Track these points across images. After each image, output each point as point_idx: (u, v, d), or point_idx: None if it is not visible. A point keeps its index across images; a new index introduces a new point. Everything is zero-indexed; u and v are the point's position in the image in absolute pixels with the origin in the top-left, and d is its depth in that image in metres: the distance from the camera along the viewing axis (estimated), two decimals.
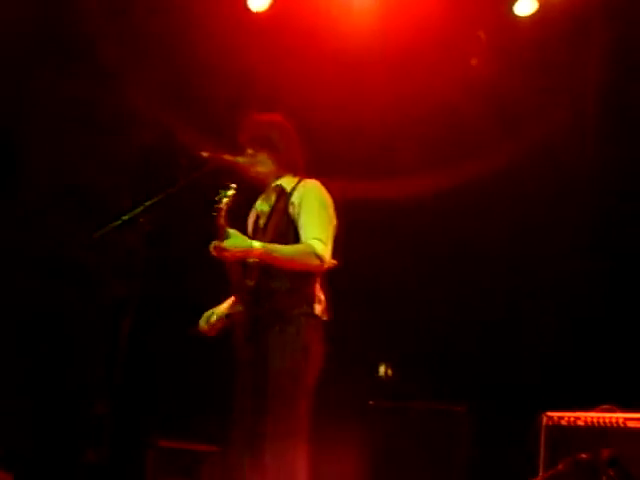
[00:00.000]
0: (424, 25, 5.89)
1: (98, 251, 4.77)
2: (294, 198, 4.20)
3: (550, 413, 4.97)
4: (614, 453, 4.57)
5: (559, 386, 5.48)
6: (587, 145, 5.86)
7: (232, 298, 4.25)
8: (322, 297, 4.19)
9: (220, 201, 3.87)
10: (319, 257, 4.03)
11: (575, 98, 5.91)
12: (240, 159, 4.19)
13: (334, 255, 4.20)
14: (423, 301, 6.21)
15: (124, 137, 6.12)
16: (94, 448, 5.09)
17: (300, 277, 4.11)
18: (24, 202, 6.13)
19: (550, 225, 5.97)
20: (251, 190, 4.29)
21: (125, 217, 3.99)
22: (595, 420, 4.87)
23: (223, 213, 3.90)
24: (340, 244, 4.28)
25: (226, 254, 3.94)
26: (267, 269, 4.09)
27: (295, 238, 4.14)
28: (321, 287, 4.20)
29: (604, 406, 4.96)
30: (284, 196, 4.24)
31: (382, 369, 6.34)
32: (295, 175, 4.30)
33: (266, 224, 4.27)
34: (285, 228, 4.18)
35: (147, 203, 4.02)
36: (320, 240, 4.06)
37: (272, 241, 4.12)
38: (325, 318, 4.18)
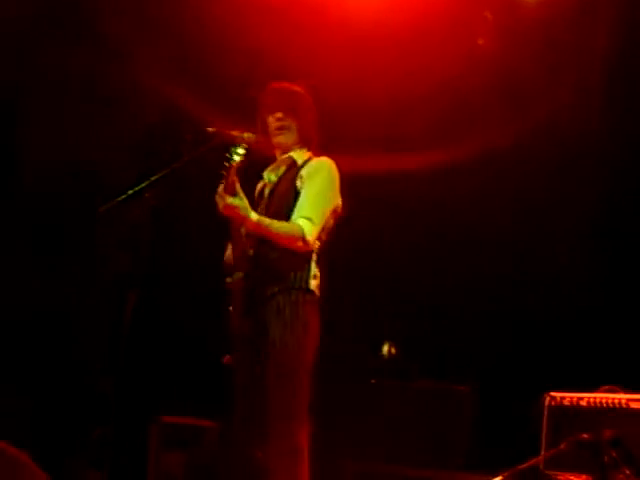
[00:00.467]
0: (431, 4, 5.87)
1: (103, 226, 4.76)
2: (303, 171, 4.22)
3: (553, 393, 4.97)
4: (616, 434, 4.56)
5: (562, 366, 5.48)
6: (593, 123, 5.84)
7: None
8: (317, 273, 4.21)
9: (231, 158, 3.89)
10: (304, 240, 4.06)
11: (581, 76, 5.88)
12: (245, 135, 4.18)
13: (337, 233, 4.23)
14: (428, 279, 6.20)
15: (129, 112, 6.10)
16: (97, 423, 5.12)
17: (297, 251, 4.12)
18: (27, 177, 6.12)
19: (555, 204, 5.95)
20: (254, 166, 4.28)
21: (130, 192, 3.99)
22: (598, 401, 4.87)
23: (234, 170, 3.91)
24: (344, 220, 4.29)
25: (226, 210, 3.96)
26: (266, 240, 4.09)
27: (292, 213, 4.16)
28: (317, 263, 4.21)
29: (607, 387, 4.96)
30: (294, 168, 4.26)
31: (385, 348, 6.35)
32: (309, 150, 4.30)
33: (271, 193, 4.28)
34: (289, 199, 4.20)
35: (152, 178, 4.02)
36: (310, 220, 4.08)
37: (275, 211, 4.15)
38: (318, 294, 4.20)
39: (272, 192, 4.29)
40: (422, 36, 5.94)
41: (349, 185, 4.32)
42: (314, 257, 4.21)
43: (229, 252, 4.28)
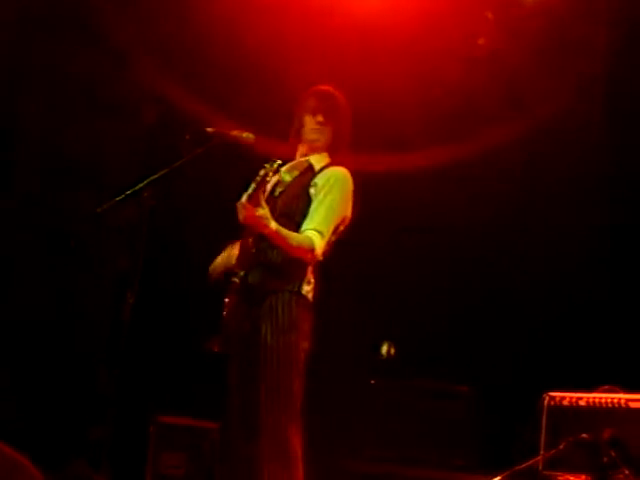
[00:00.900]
0: (433, 5, 5.87)
1: (101, 226, 4.77)
2: (318, 179, 4.24)
3: (552, 393, 4.97)
4: (615, 434, 4.58)
5: (561, 367, 5.48)
6: (594, 122, 5.84)
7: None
8: (312, 279, 4.25)
9: (267, 173, 3.90)
10: (313, 253, 4.11)
11: (583, 76, 5.88)
12: (245, 135, 4.19)
13: (342, 255, 4.30)
14: (427, 279, 6.20)
15: (129, 112, 6.11)
16: (96, 423, 5.11)
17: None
18: (25, 177, 6.13)
19: (555, 204, 5.95)
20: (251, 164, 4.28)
21: (129, 192, 4.00)
22: (597, 401, 4.88)
23: (265, 184, 3.95)
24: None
25: (248, 219, 3.98)
26: (269, 240, 4.11)
27: (301, 216, 4.19)
28: (313, 270, 4.24)
29: (606, 387, 4.96)
30: (310, 173, 4.28)
31: (384, 348, 6.34)
32: (331, 155, 4.32)
33: (281, 193, 4.29)
34: (299, 203, 4.22)
35: (151, 178, 4.02)
36: (321, 234, 4.13)
37: (282, 212, 4.17)
38: (311, 299, 4.22)
39: (283, 192, 4.30)
40: (423, 38, 5.95)
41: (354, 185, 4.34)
42: (312, 264, 4.24)
43: (226, 254, 4.31)
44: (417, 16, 5.86)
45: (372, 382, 5.87)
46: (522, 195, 6.03)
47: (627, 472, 4.45)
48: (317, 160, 4.32)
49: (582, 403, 4.91)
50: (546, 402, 4.96)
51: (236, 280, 4.15)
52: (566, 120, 5.85)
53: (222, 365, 4.25)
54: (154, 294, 5.37)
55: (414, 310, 6.25)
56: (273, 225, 4.02)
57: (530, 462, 4.71)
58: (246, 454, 4.08)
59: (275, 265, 4.15)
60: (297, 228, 4.17)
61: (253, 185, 3.94)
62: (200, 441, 5.71)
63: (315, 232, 4.12)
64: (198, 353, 4.15)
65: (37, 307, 6.03)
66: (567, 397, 4.94)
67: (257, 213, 3.95)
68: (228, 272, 4.25)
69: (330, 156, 4.34)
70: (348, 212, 4.29)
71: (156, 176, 4.03)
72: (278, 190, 4.32)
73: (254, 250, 4.14)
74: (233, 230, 4.29)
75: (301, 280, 4.19)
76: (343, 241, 4.40)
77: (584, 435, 4.60)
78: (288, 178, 4.33)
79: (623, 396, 4.85)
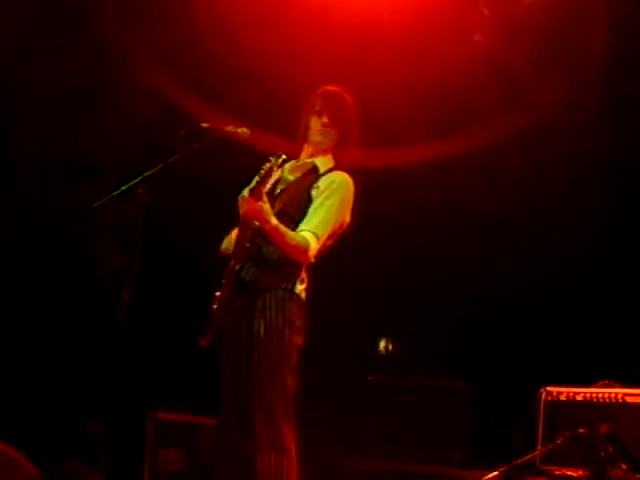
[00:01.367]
0: (430, 2, 5.87)
1: (97, 222, 4.77)
2: (321, 182, 4.24)
3: (549, 388, 4.98)
4: (612, 428, 4.58)
5: (558, 361, 5.48)
6: (590, 119, 5.84)
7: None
8: (305, 279, 4.25)
9: (271, 167, 3.91)
10: (306, 254, 4.11)
11: (579, 72, 5.87)
12: (240, 130, 4.19)
13: (340, 251, 4.31)
14: (425, 275, 6.20)
15: (124, 108, 6.10)
16: (93, 419, 5.12)
17: None
18: (21, 174, 6.13)
19: (553, 201, 5.94)
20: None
21: (124, 188, 3.99)
22: (594, 396, 4.88)
23: (268, 178, 3.95)
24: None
25: (250, 212, 3.99)
26: (265, 237, 4.12)
27: (300, 215, 4.19)
28: (306, 269, 4.25)
29: (603, 382, 4.96)
30: (313, 175, 4.28)
31: (382, 344, 6.34)
32: (337, 156, 4.32)
33: (283, 192, 4.28)
34: (299, 204, 4.22)
35: (146, 174, 4.02)
36: (317, 236, 4.13)
37: (281, 210, 4.17)
38: (304, 299, 4.22)
39: (284, 191, 4.30)
40: (419, 35, 5.94)
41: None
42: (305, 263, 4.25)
43: (228, 240, 4.33)
44: (414, 13, 5.86)
45: (370, 378, 5.87)
46: (522, 191, 6.03)
47: (624, 467, 4.45)
48: (322, 163, 4.32)
49: (579, 398, 4.91)
50: (543, 397, 4.97)
51: (227, 272, 4.15)
52: (563, 117, 5.84)
53: (218, 361, 4.25)
54: (150, 290, 5.37)
55: (412, 306, 6.26)
56: (274, 221, 4.02)
57: (528, 457, 4.71)
58: (241, 448, 4.09)
59: (269, 262, 4.16)
60: (295, 227, 4.17)
61: (257, 178, 3.94)
62: (198, 437, 5.71)
63: (311, 234, 4.13)
64: (195, 348, 4.15)
65: (34, 304, 6.03)
66: (564, 392, 4.95)
67: (259, 207, 3.96)
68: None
69: (335, 157, 4.34)
70: (347, 218, 4.30)
71: (151, 172, 4.03)
72: (279, 188, 4.32)
73: (248, 244, 4.14)
74: (229, 225, 4.30)
75: (295, 279, 4.19)
76: (342, 239, 4.40)
77: (581, 430, 4.60)
78: (291, 177, 4.33)
79: (620, 391, 4.86)
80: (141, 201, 3.98)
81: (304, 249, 4.10)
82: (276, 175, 4.20)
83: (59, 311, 6.17)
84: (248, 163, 4.20)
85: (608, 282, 5.72)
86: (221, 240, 4.41)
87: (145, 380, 6.10)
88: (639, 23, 5.73)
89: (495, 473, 4.55)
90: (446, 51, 5.98)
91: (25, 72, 6.07)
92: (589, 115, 5.84)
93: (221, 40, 6.03)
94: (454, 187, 6.14)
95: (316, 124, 4.30)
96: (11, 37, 6.00)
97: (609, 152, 5.79)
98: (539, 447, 4.85)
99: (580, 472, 4.64)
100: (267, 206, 3.99)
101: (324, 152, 4.33)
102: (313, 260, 4.20)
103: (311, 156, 4.35)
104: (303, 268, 4.23)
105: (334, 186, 4.22)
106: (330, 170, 4.29)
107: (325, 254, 4.29)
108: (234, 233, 4.30)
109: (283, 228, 4.07)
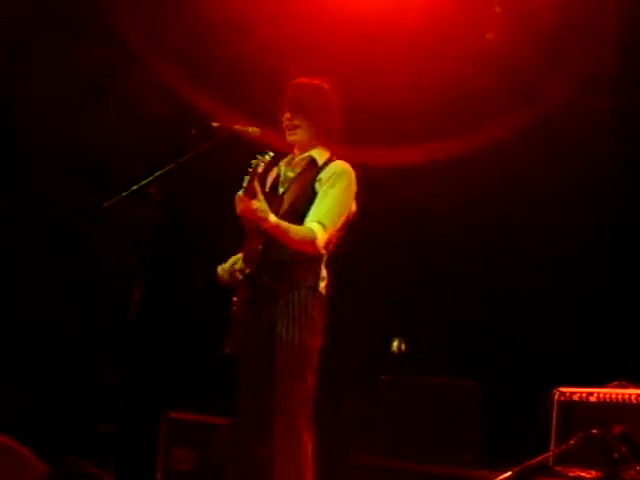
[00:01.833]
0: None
1: (107, 221, 4.77)
2: (323, 174, 4.22)
3: (562, 389, 4.95)
4: (626, 429, 4.56)
5: (571, 362, 5.45)
6: (602, 115, 5.81)
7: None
8: (325, 274, 4.23)
9: (258, 165, 3.89)
10: (314, 245, 4.09)
11: (592, 70, 5.84)
12: (250, 129, 4.18)
13: (348, 241, 4.28)
14: (437, 276, 6.18)
15: (134, 107, 6.11)
16: (105, 420, 5.12)
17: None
18: (31, 173, 6.13)
19: (560, 199, 5.91)
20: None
21: (135, 187, 4.00)
22: (607, 396, 4.85)
23: (258, 176, 3.93)
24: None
25: (245, 212, 3.97)
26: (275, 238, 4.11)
27: (308, 212, 4.17)
28: (326, 264, 4.23)
29: (616, 382, 4.93)
30: (314, 168, 4.25)
31: (395, 344, 6.33)
32: (327, 146, 4.28)
33: (286, 190, 4.26)
34: (304, 200, 4.20)
35: (157, 173, 4.03)
36: (324, 226, 4.10)
37: (288, 209, 4.17)
38: (324, 295, 4.22)
39: (288, 189, 4.28)
40: (429, 32, 5.93)
41: (358, 179, 4.32)
42: (324, 258, 4.24)
43: (222, 268, 4.33)
44: (424, 9, 5.84)
45: (383, 378, 5.86)
46: (529, 189, 6.00)
47: (638, 468, 4.43)
48: (319, 154, 4.29)
49: (592, 398, 4.88)
50: (556, 397, 4.94)
51: (240, 276, 4.14)
52: (573, 114, 5.81)
53: (232, 361, 4.25)
54: (163, 289, 5.38)
55: (425, 306, 6.24)
56: (272, 218, 3.99)
57: (541, 457, 4.68)
58: (258, 452, 4.08)
59: (286, 264, 4.14)
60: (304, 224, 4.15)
61: (247, 177, 3.93)
62: (210, 437, 5.71)
63: (317, 224, 4.10)
64: (208, 349, 4.15)
65: (45, 303, 6.04)
66: (577, 392, 4.92)
67: (253, 205, 3.93)
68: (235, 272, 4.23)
69: (327, 147, 4.30)
70: (352, 206, 4.27)
71: (162, 171, 4.03)
72: (282, 187, 4.30)
73: (261, 247, 4.12)
74: (239, 225, 4.29)
75: (317, 276, 4.17)
76: (355, 238, 4.39)
77: (594, 431, 4.58)
78: (291, 174, 4.31)
79: (633, 391, 4.82)
80: (152, 200, 3.99)
81: (310, 240, 4.07)
82: (273, 174, 4.20)
83: (71, 311, 6.19)
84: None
85: (622, 281, 5.68)
86: (224, 240, 4.40)
87: (158, 379, 6.12)
88: None
89: (508, 474, 4.52)
90: (456, 49, 5.96)
91: (31, 70, 6.08)
92: (600, 114, 5.81)
93: (232, 38, 6.03)
94: (463, 188, 6.11)
95: (284, 122, 4.28)
96: (16, 32, 6.01)
97: (620, 151, 5.75)
98: (552, 448, 4.82)
99: (593, 473, 4.61)
100: (262, 204, 3.97)
101: (311, 145, 4.28)
102: (324, 251, 4.17)
103: (299, 150, 4.32)
104: (322, 264, 4.20)
105: (335, 176, 4.20)
106: (329, 160, 4.27)
107: (338, 247, 4.26)
108: (230, 261, 4.29)
109: (284, 224, 4.04)
